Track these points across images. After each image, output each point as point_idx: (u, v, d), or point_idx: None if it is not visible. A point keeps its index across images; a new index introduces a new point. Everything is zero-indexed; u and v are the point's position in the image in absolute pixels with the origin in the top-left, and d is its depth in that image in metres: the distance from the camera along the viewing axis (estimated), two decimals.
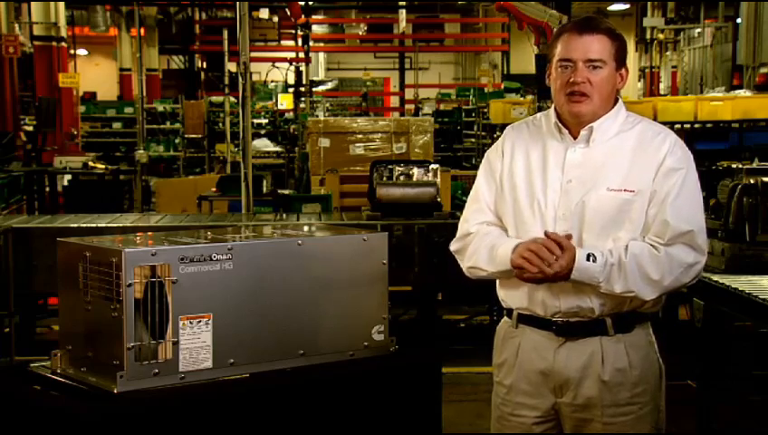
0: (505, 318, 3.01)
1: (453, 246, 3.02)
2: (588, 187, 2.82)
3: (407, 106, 21.59)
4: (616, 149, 2.85)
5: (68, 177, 12.41)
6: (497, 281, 3.01)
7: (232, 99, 14.56)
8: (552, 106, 2.95)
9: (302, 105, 18.81)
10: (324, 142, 10.39)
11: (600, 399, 2.85)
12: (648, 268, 2.75)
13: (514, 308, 2.95)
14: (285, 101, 19.45)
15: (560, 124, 2.90)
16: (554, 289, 2.83)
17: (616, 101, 2.91)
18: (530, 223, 2.86)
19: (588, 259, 2.72)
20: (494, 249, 2.86)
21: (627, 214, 2.81)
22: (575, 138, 2.88)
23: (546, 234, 2.74)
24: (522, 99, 14.10)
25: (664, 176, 2.81)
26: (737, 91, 11.28)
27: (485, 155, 3.06)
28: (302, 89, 19.51)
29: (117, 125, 21.17)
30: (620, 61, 2.86)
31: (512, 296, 2.94)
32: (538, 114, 3.05)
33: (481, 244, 2.91)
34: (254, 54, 17.69)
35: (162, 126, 19.62)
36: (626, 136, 2.87)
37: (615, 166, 2.83)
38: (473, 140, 17.39)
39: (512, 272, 2.81)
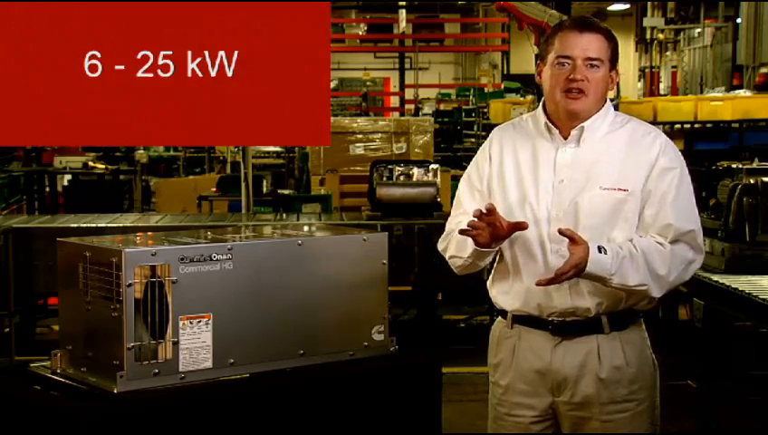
0: (500, 318, 3.01)
1: (439, 245, 3.03)
2: (580, 186, 2.83)
3: (407, 106, 21.55)
4: (607, 148, 2.86)
5: (68, 177, 12.41)
6: (489, 282, 3.01)
7: None
8: (539, 106, 2.95)
9: None
10: None
11: (597, 396, 2.86)
12: (656, 263, 2.76)
13: (509, 310, 2.94)
14: None
15: (549, 124, 2.89)
16: (549, 291, 2.82)
17: (603, 101, 2.92)
18: None
19: (599, 251, 2.71)
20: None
21: (620, 213, 2.82)
22: (565, 138, 2.88)
23: (560, 231, 2.73)
24: (522, 99, 14.08)
25: (658, 176, 2.82)
26: (737, 91, 11.26)
27: (474, 158, 3.03)
28: None
29: None
30: (614, 62, 2.87)
31: (505, 299, 2.94)
32: (524, 115, 3.05)
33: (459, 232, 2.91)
34: None
35: None
36: (616, 135, 2.88)
37: (607, 165, 2.84)
38: (473, 140, 17.37)
39: (483, 254, 2.82)
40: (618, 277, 2.73)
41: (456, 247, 2.92)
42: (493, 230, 2.74)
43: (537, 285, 2.76)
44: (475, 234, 2.75)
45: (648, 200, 2.82)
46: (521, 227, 2.76)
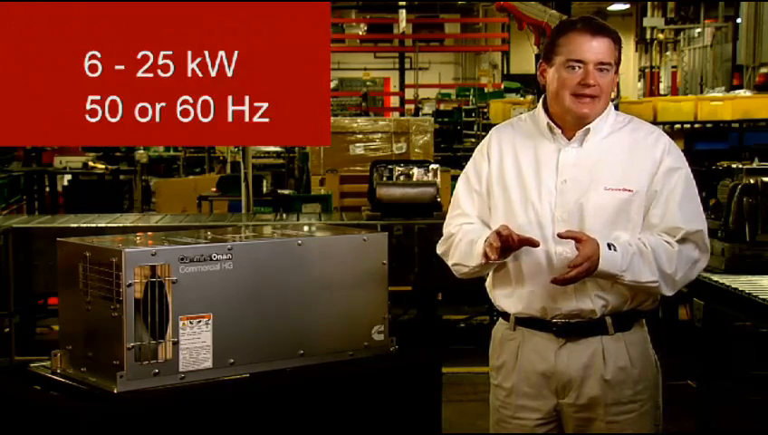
0: (501, 320, 2.99)
1: (439, 249, 3.01)
2: (585, 187, 2.81)
3: (407, 106, 21.54)
4: (609, 148, 2.85)
5: (68, 177, 12.41)
6: (488, 284, 3.00)
7: None
8: (539, 106, 2.93)
9: None
10: None
11: (602, 398, 2.85)
12: (663, 260, 2.76)
13: (511, 312, 2.93)
14: None
15: (552, 124, 2.88)
16: (553, 293, 2.81)
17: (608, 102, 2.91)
18: (525, 226, 2.81)
19: (609, 248, 2.71)
20: (473, 244, 2.84)
21: (626, 213, 2.81)
22: (569, 138, 2.87)
23: (559, 235, 2.73)
24: (522, 99, 14.08)
25: (665, 176, 2.82)
26: (737, 91, 11.26)
27: (471, 157, 3.01)
28: None
29: None
30: (618, 64, 2.86)
31: (507, 301, 2.92)
32: (523, 114, 3.03)
33: (463, 239, 2.90)
34: None
35: None
36: (618, 135, 2.87)
37: (610, 165, 2.83)
38: (473, 140, 17.35)
39: (489, 265, 2.81)
40: (630, 274, 2.73)
41: (460, 256, 2.90)
42: (503, 245, 2.73)
43: (553, 282, 2.73)
44: (489, 253, 2.74)
45: (655, 200, 2.82)
46: (532, 243, 2.75)
